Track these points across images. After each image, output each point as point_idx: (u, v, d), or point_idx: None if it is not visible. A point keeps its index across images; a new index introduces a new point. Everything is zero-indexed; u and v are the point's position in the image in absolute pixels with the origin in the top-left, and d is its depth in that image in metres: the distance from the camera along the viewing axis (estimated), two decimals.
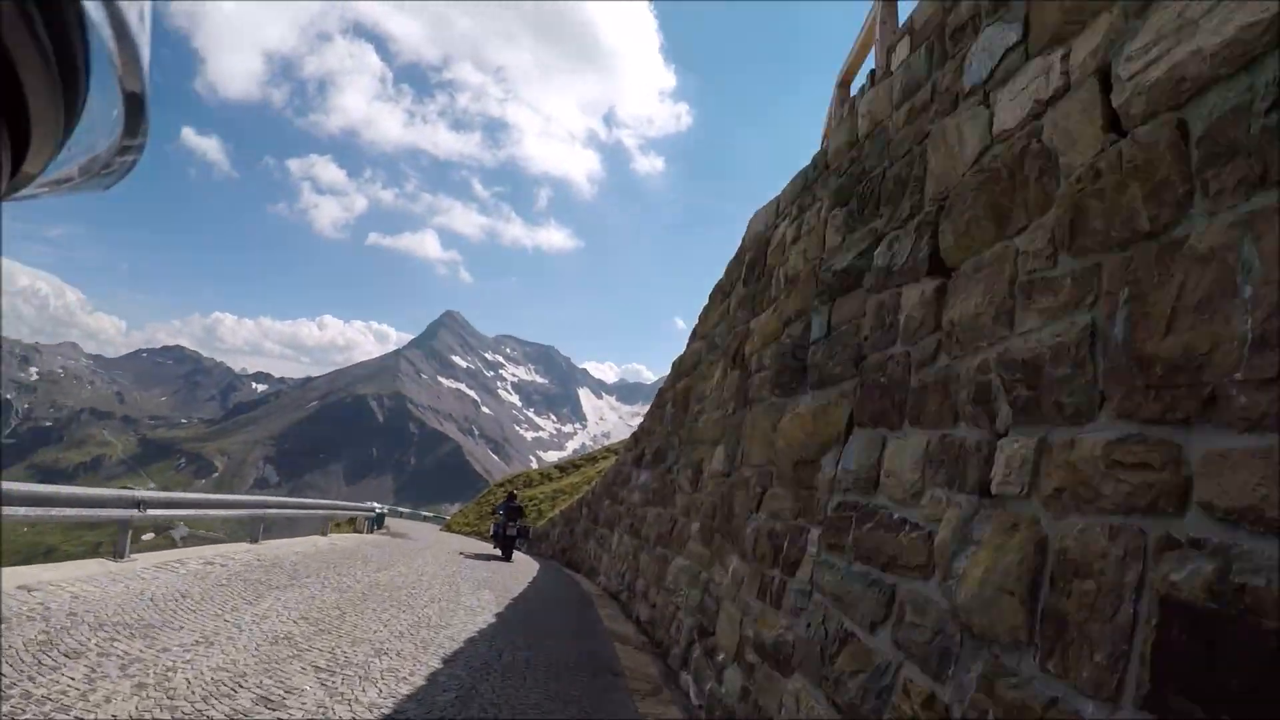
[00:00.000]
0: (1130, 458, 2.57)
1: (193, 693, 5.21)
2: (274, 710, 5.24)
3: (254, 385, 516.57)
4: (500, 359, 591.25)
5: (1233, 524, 2.11)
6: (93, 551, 10.87)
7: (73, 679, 5.06)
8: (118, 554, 9.39)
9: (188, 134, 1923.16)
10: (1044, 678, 2.78)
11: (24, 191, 0.64)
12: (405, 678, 6.50)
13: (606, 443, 79.33)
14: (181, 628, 6.75)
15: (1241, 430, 2.14)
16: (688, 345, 12.23)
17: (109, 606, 7.02)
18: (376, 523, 24.74)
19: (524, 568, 18.28)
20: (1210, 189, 2.39)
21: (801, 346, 6.37)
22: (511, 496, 22.44)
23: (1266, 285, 2.12)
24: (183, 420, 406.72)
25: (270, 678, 5.84)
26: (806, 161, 7.58)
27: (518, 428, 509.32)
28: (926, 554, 3.79)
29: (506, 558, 19.71)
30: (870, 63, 6.88)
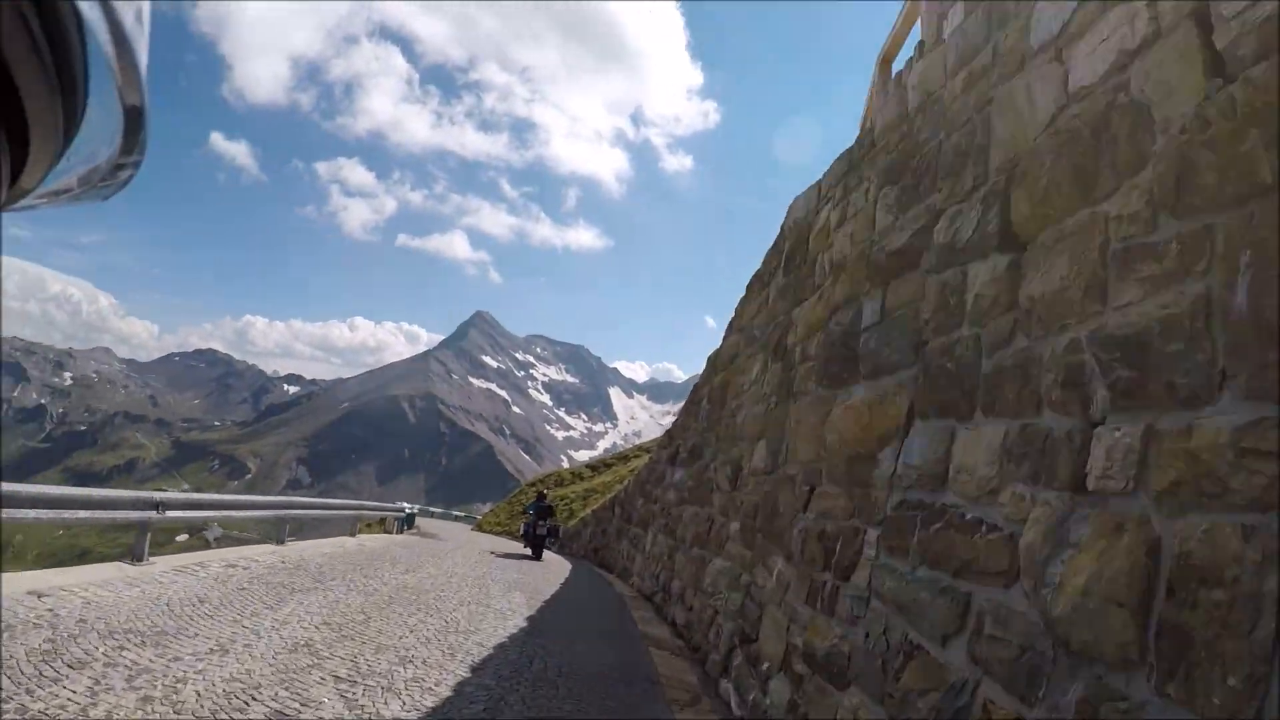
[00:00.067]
0: (1265, 444, 2.21)
1: (201, 706, 4.87)
2: None
3: (286, 387, 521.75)
4: (531, 359, 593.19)
5: None
6: (128, 554, 10.73)
7: (74, 691, 4.73)
8: (136, 557, 9.12)
9: (216, 139, 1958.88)
10: (1161, 703, 2.41)
11: (23, 202, 0.64)
12: (431, 688, 6.14)
13: (638, 442, 79.12)
14: (196, 635, 6.43)
15: None
16: (724, 339, 11.87)
17: (121, 612, 6.71)
18: (407, 523, 24.54)
19: (555, 568, 17.99)
20: None
21: (852, 334, 5.95)
22: (541, 496, 22.48)
23: None
24: (215, 423, 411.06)
25: (287, 689, 5.49)
26: (825, 158, 7.24)
27: (549, 427, 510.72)
28: (1008, 558, 3.37)
29: (537, 557, 19.67)
30: (914, 38, 6.60)
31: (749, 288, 10.67)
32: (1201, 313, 2.55)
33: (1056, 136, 3.67)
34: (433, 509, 48.51)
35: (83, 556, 68.44)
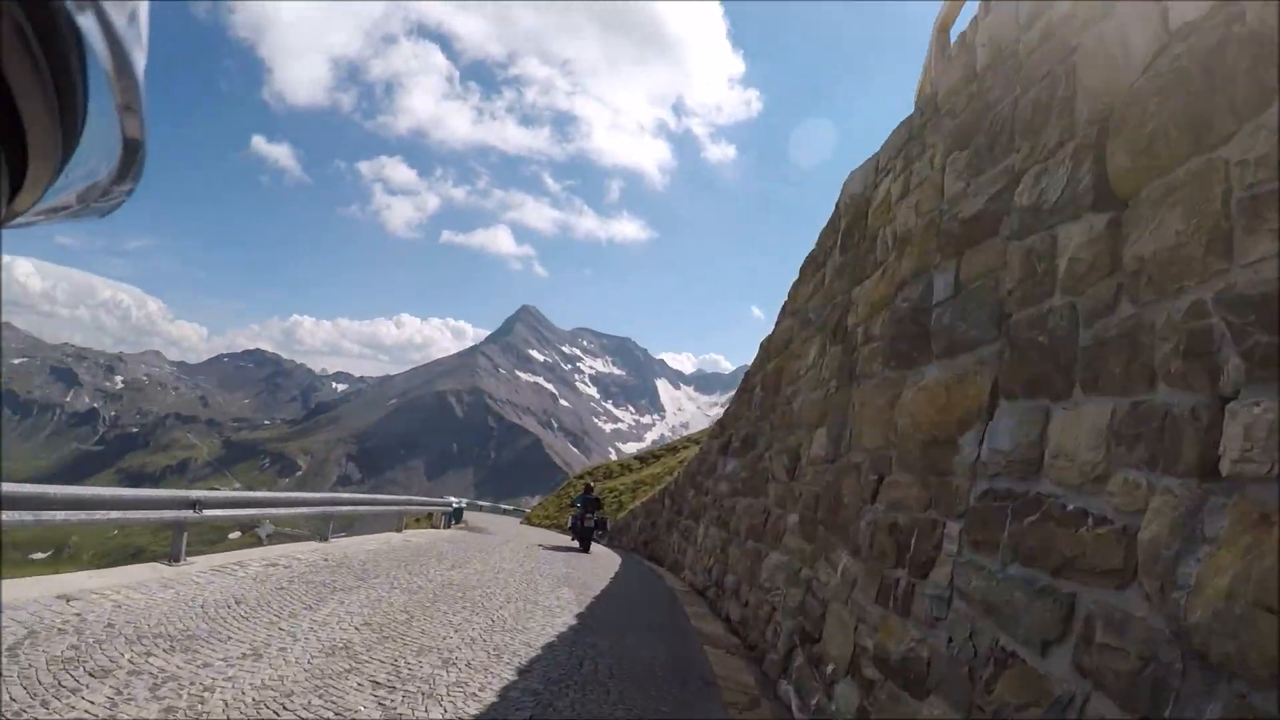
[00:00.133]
0: None
1: (228, 717, 4.58)
2: None
3: (334, 385, 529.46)
4: (577, 352, 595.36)
5: None
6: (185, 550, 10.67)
7: (93, 702, 4.47)
8: (173, 557, 8.92)
9: (258, 142, 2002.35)
10: None
11: (21, 219, 0.63)
12: (475, 693, 5.82)
13: (685, 433, 78.87)
14: (229, 638, 6.17)
15: None
16: (776, 324, 11.45)
17: (153, 616, 6.47)
18: (454, 517, 24.39)
19: (604, 561, 17.73)
20: None
21: (922, 310, 5.51)
22: (588, 489, 22.45)
23: None
24: (265, 421, 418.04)
25: (320, 696, 5.19)
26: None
27: (596, 420, 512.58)
28: (1122, 555, 2.93)
29: (584, 549, 19.73)
30: (968, 9, 6.18)
31: (802, 270, 10.24)
32: None
33: (1158, 79, 3.22)
34: (481, 503, 48.73)
35: (136, 555, 69.62)
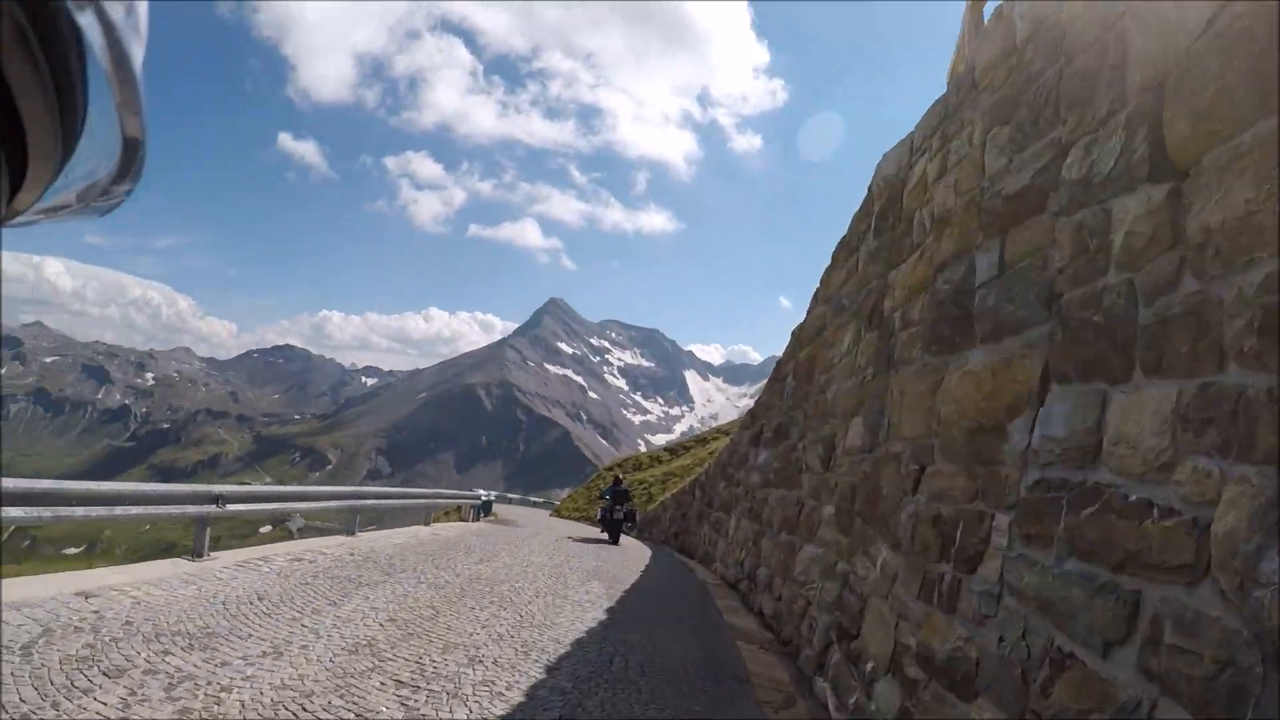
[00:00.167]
0: None
1: (244, 718, 4.45)
2: None
3: (363, 379, 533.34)
4: (605, 344, 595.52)
5: None
6: (214, 545, 10.61)
7: (105, 704, 4.36)
8: (196, 553, 8.86)
9: (284, 139, 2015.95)
10: None
11: (20, 219, 0.63)
12: (501, 693, 5.67)
13: (714, 424, 78.58)
14: (249, 636, 6.06)
15: None
16: (808, 311, 11.23)
17: (172, 613, 6.39)
18: (483, 510, 24.33)
19: (634, 554, 17.60)
20: None
21: (964, 292, 5.27)
22: (617, 481, 22.50)
23: None
24: (295, 416, 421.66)
25: (341, 697, 5.06)
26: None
27: (625, 412, 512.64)
28: (1193, 549, 2.71)
29: (614, 541, 19.78)
30: None
31: (834, 256, 9.99)
32: None
33: (1219, 40, 2.99)
34: (510, 495, 48.79)
35: (168, 550, 70.27)
